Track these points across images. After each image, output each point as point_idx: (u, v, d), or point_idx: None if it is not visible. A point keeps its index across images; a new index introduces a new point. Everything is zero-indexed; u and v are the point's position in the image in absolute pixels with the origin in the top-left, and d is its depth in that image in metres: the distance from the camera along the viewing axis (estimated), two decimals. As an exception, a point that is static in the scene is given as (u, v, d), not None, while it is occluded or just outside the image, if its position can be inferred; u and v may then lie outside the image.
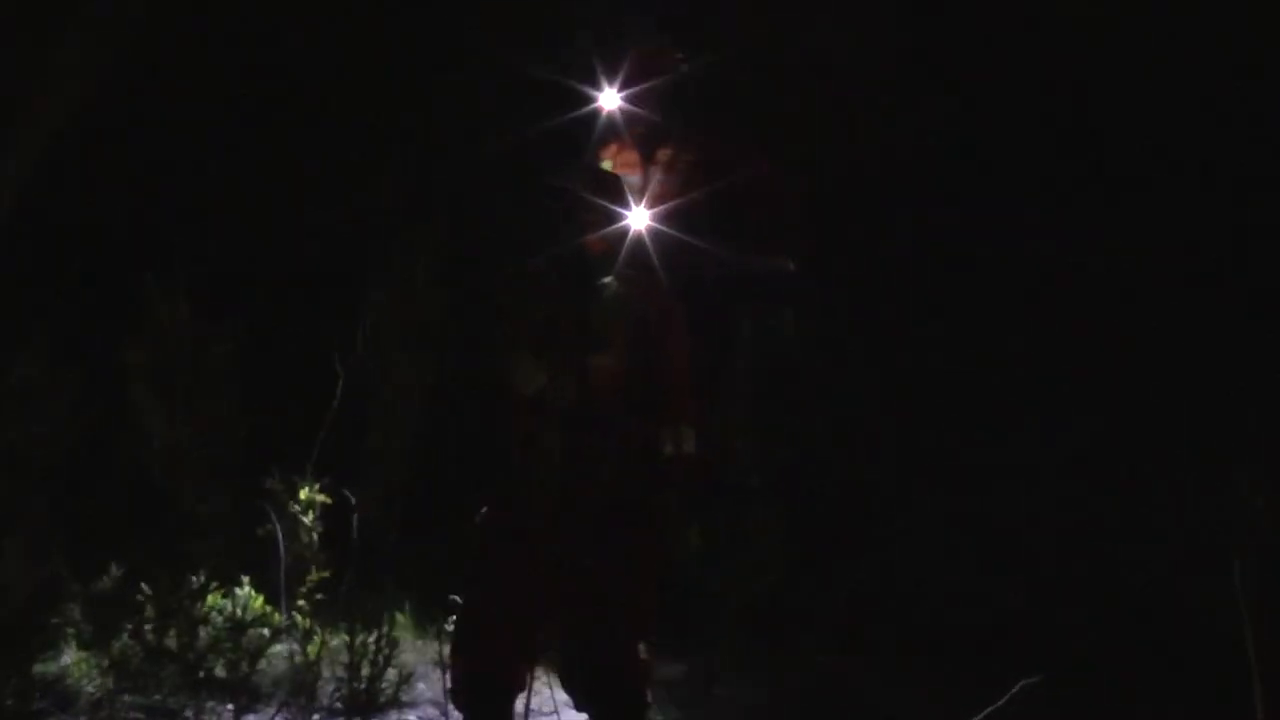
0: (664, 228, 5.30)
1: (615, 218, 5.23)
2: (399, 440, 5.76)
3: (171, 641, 5.54)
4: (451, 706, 5.28)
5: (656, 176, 5.59)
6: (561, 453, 5.21)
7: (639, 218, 5.25)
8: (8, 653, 5.03)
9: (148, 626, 5.52)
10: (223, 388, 5.61)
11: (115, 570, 5.58)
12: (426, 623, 6.43)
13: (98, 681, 5.54)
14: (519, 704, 5.34)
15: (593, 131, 5.55)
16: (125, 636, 5.56)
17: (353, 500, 5.66)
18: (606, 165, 5.62)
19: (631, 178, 5.58)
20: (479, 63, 6.05)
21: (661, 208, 5.37)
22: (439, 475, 5.78)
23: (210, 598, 5.58)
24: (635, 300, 5.27)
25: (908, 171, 7.07)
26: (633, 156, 5.64)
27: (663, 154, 5.62)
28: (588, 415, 5.24)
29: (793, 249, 5.67)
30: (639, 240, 5.25)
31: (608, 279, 5.20)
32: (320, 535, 5.70)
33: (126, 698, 5.46)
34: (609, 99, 5.54)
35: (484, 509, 5.28)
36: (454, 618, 5.37)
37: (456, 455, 5.66)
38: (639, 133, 5.63)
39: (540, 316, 5.21)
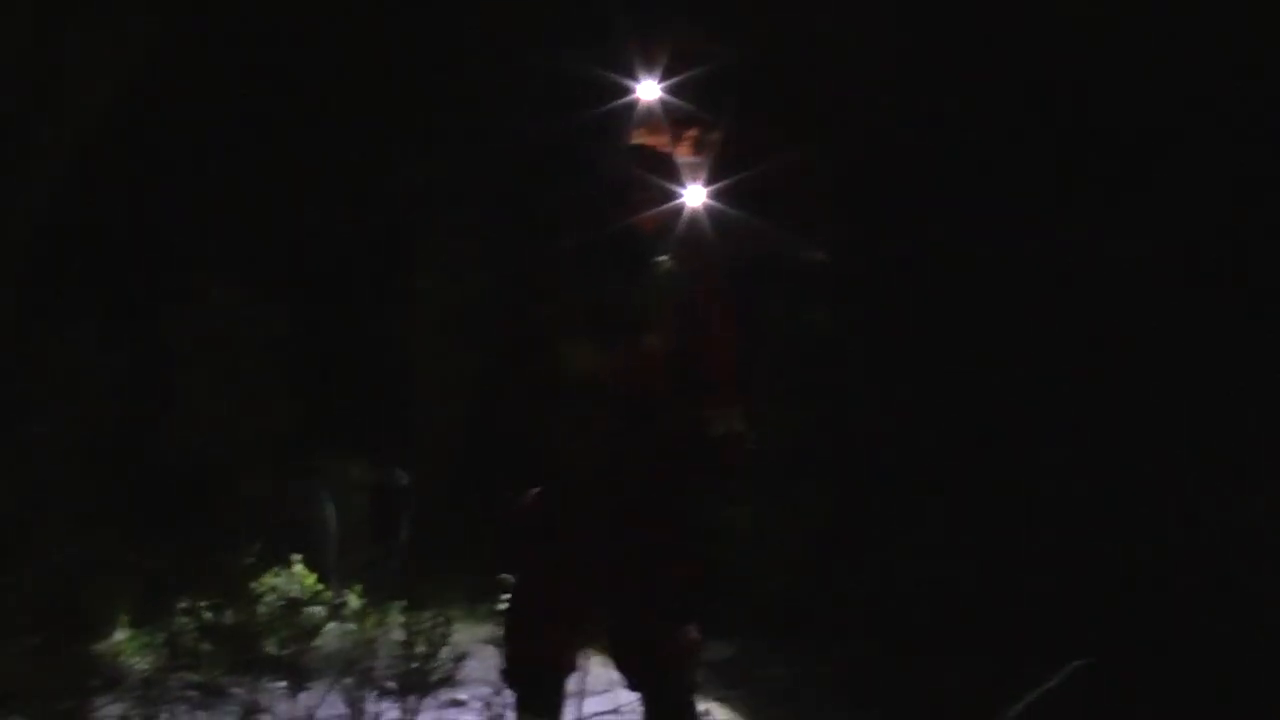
0: (717, 205, 5.28)
1: (667, 197, 5.21)
2: (449, 421, 5.77)
3: (227, 619, 5.56)
4: (504, 685, 5.30)
5: (685, 159, 5.56)
6: (611, 434, 5.20)
7: (692, 196, 5.24)
8: (60, 631, 5.05)
9: (202, 604, 5.55)
10: (271, 369, 5.63)
11: (166, 549, 5.60)
12: (478, 601, 6.43)
13: (149, 659, 5.57)
14: (571, 683, 5.35)
15: (626, 117, 5.54)
16: (178, 614, 5.58)
17: (404, 480, 5.67)
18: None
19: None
20: (518, 47, 6.02)
21: (708, 188, 5.35)
22: (488, 456, 5.79)
23: (264, 577, 5.61)
24: (687, 280, 5.25)
25: (934, 158, 7.02)
26: (662, 139, 5.62)
27: (690, 136, 5.58)
28: (637, 396, 5.22)
29: (822, 234, 5.64)
30: (691, 220, 5.23)
31: (660, 258, 5.18)
32: (370, 515, 5.72)
33: (178, 676, 5.48)
34: (647, 89, 5.52)
35: (533, 491, 5.28)
36: (505, 597, 5.38)
37: (505, 436, 5.67)
38: (669, 117, 5.61)
39: (591, 298, 5.20)
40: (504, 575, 5.35)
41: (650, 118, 5.55)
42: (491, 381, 5.57)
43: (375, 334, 5.73)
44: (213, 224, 5.76)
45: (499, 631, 5.32)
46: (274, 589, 5.68)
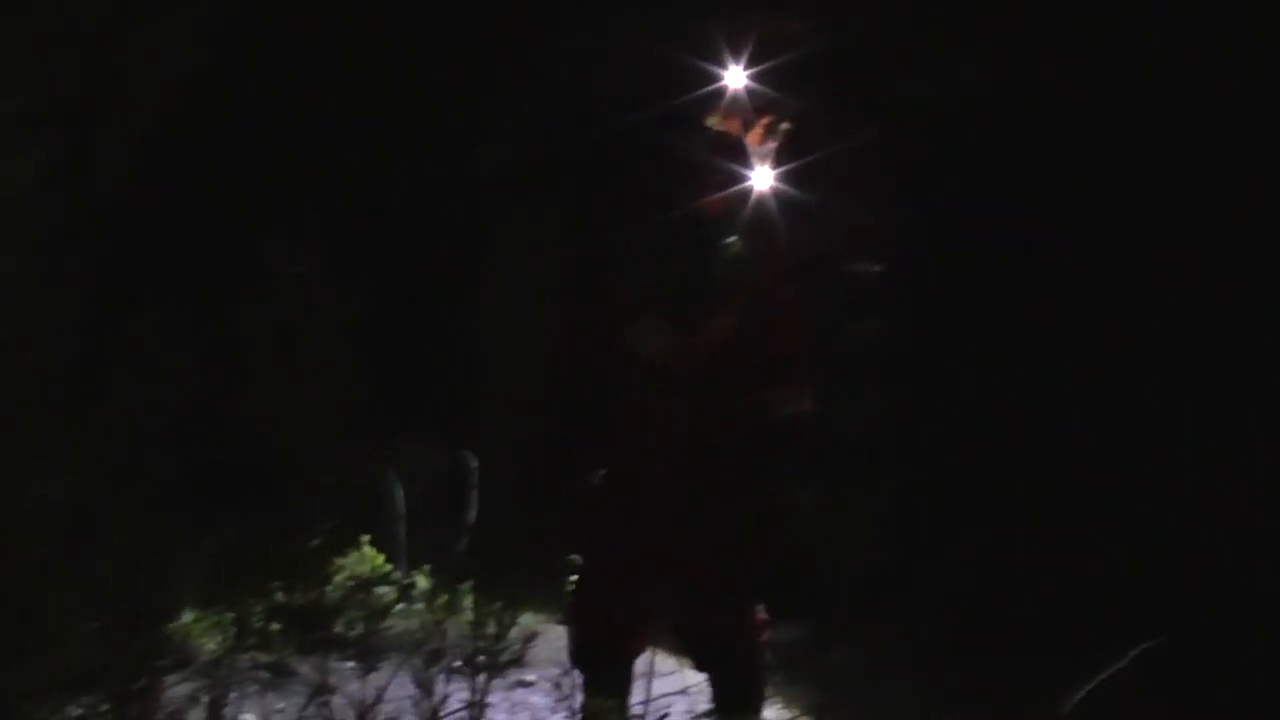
0: (786, 189, 5.26)
1: (737, 179, 5.20)
2: (519, 403, 5.75)
3: (297, 599, 5.57)
4: (571, 667, 5.30)
5: (756, 146, 5.53)
6: (680, 416, 5.20)
7: (762, 179, 5.23)
8: (128, 612, 5.06)
9: (275, 584, 5.55)
10: (342, 350, 5.62)
11: (235, 530, 5.60)
12: (546, 583, 6.42)
13: (217, 640, 5.57)
14: (639, 664, 5.35)
15: (706, 104, 5.51)
16: (246, 595, 5.58)
17: (473, 462, 5.67)
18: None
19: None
20: (592, 28, 5.98)
21: (778, 171, 5.33)
22: (557, 439, 5.79)
23: (333, 558, 5.61)
24: (755, 262, 5.25)
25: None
26: (735, 124, 5.59)
27: (764, 123, 5.55)
28: (707, 378, 5.23)
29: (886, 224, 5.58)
30: (761, 202, 5.22)
31: (730, 239, 5.18)
32: (439, 497, 5.72)
33: (246, 656, 5.48)
34: (731, 76, 5.50)
35: (601, 472, 5.29)
36: (573, 579, 5.38)
37: (574, 419, 5.67)
38: (745, 103, 5.58)
39: (662, 278, 5.20)
40: (572, 557, 5.36)
41: (726, 104, 5.52)
42: (561, 364, 5.57)
43: (447, 315, 5.72)
44: (288, 205, 5.75)
45: (567, 613, 5.35)
46: (343, 569, 5.68)
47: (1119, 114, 7.18)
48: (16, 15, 4.44)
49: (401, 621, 5.84)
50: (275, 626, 5.58)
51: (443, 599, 5.69)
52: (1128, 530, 6.54)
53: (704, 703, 5.41)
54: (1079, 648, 5.66)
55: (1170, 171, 7.00)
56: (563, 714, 5.26)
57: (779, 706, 6.12)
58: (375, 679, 5.49)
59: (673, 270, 5.20)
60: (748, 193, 5.22)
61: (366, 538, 5.73)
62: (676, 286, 5.19)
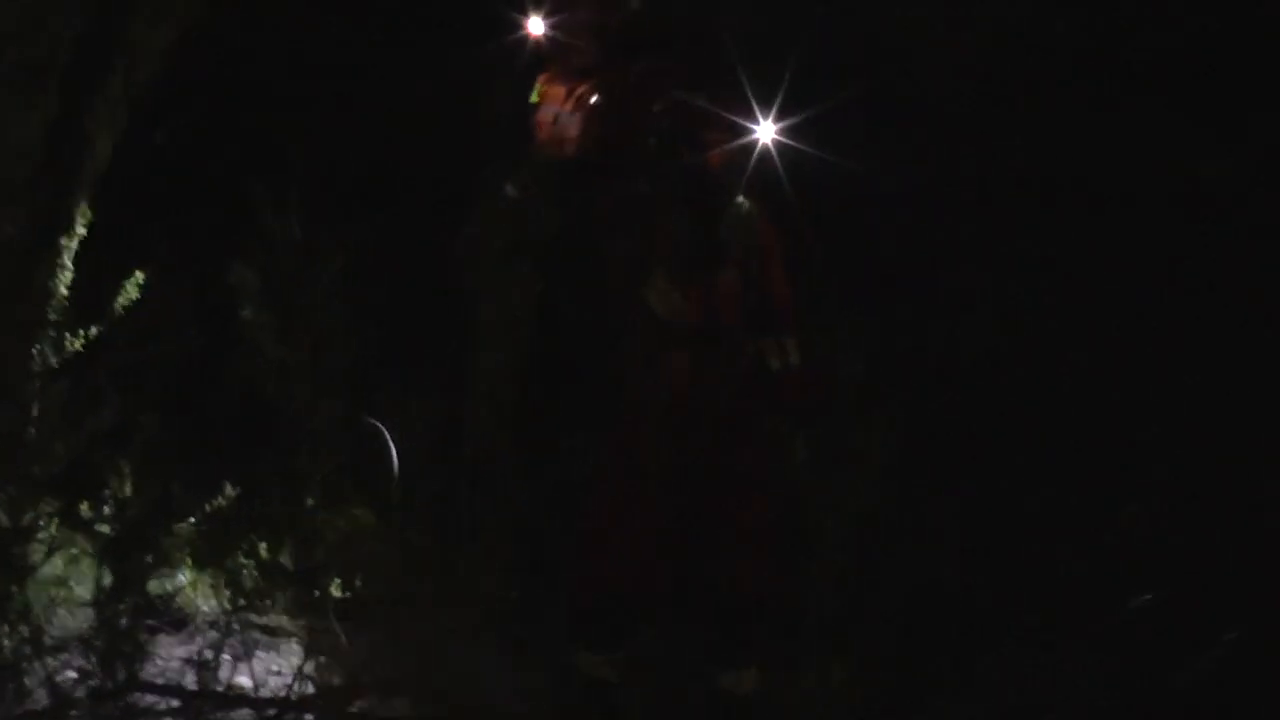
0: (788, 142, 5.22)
1: (740, 134, 5.17)
2: (511, 358, 5.72)
3: (286, 559, 5.53)
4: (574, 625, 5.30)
5: (579, 113, 5.49)
6: (686, 371, 5.20)
7: (765, 133, 5.19)
8: (122, 571, 5.01)
9: (262, 544, 5.51)
10: (332, 303, 5.57)
11: (229, 489, 5.53)
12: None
13: (212, 601, 5.52)
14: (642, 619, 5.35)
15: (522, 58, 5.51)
16: (240, 555, 5.53)
17: (465, 418, 5.64)
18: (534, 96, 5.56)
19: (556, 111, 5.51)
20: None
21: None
22: (551, 394, 5.76)
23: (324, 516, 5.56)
24: (758, 216, 5.24)
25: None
26: (558, 90, 5.56)
27: (585, 90, 5.50)
28: (711, 333, 5.22)
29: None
30: (763, 158, 5.19)
31: (738, 199, 5.17)
32: (432, 453, 5.67)
33: (241, 617, 5.44)
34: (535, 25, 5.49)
35: (606, 430, 5.27)
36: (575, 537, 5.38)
37: (568, 374, 5.65)
38: (570, 64, 5.55)
39: (669, 235, 5.18)
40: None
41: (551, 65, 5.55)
42: (562, 320, 5.55)
43: (443, 269, 5.67)
44: (278, 156, 5.68)
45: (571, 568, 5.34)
46: (335, 529, 5.63)
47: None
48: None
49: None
50: (266, 587, 5.55)
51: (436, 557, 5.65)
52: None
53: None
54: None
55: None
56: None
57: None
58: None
59: (679, 227, 5.18)
60: (751, 148, 5.19)
61: (358, 494, 5.66)
62: (683, 243, 5.18)
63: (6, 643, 4.61)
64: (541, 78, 5.59)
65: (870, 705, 5.60)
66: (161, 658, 5.15)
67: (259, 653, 5.23)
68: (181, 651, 5.18)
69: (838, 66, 5.87)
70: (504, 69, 5.65)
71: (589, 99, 5.42)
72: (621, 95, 5.39)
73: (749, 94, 5.19)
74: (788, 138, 5.22)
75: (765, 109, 5.20)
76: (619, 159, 5.32)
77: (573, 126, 5.42)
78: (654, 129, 5.24)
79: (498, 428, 5.77)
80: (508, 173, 5.71)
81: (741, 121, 5.17)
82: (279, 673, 5.23)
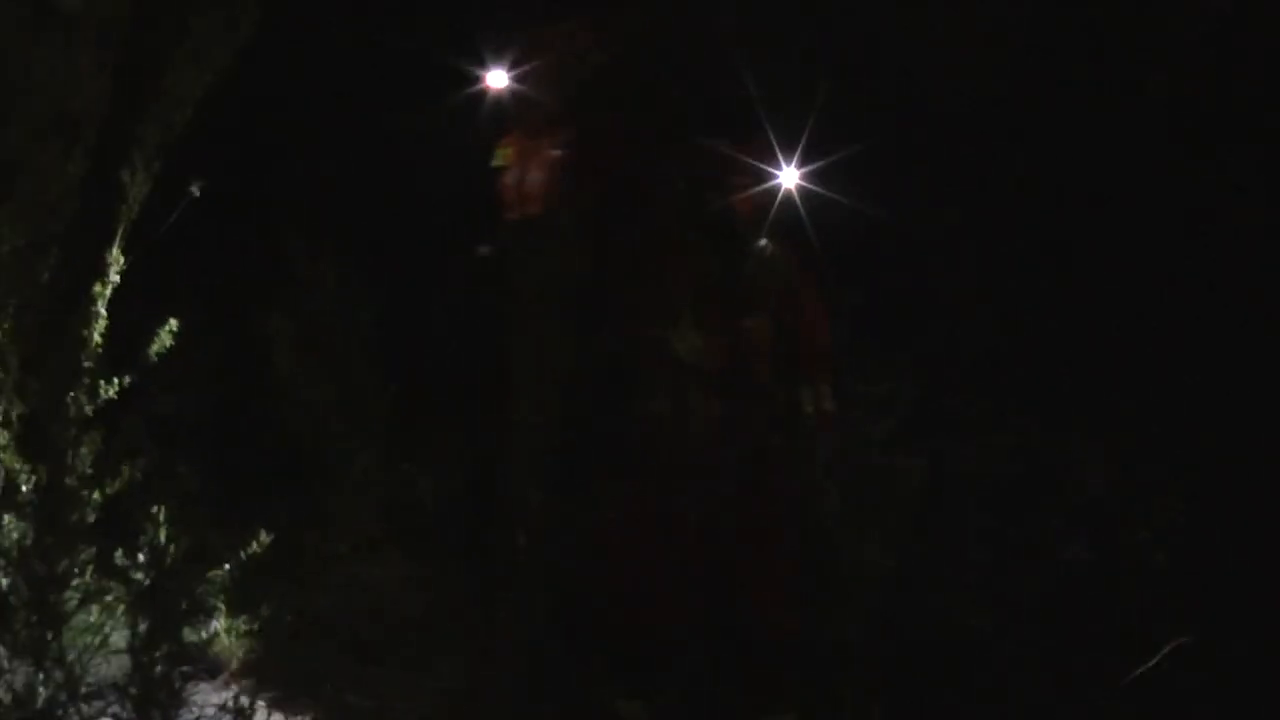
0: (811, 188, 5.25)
1: (763, 179, 5.20)
2: (545, 405, 5.74)
3: (321, 608, 5.55)
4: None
5: (541, 171, 5.52)
6: (712, 416, 5.21)
7: (788, 179, 5.23)
8: (158, 618, 5.04)
9: (293, 592, 5.54)
10: (367, 351, 5.61)
11: (264, 536, 5.56)
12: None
13: (247, 647, 5.55)
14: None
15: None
16: (275, 602, 5.56)
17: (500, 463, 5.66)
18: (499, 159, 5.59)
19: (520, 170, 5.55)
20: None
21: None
22: (583, 439, 5.77)
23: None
24: (785, 262, 5.27)
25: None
26: (526, 145, 5.58)
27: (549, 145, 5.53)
28: (737, 378, 5.24)
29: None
30: (786, 202, 5.23)
31: (761, 242, 5.20)
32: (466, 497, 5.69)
33: (276, 664, 5.46)
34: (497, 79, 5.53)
35: (636, 475, 5.29)
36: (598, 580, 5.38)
37: (601, 420, 5.65)
38: (533, 121, 5.58)
39: (693, 281, 5.21)
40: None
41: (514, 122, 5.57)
42: (589, 363, 5.57)
43: (473, 314, 5.70)
44: (309, 206, 5.73)
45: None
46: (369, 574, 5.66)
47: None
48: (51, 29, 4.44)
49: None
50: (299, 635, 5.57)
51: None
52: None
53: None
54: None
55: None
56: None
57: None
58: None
59: (704, 273, 5.21)
60: (775, 193, 5.22)
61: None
62: (709, 288, 5.21)
63: (43, 690, 4.63)
64: (504, 140, 5.62)
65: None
66: (197, 704, 5.16)
67: (293, 698, 5.25)
68: (216, 699, 5.19)
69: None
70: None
71: (554, 154, 5.44)
72: (598, 148, 5.41)
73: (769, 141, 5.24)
74: (812, 183, 5.25)
75: (788, 154, 5.24)
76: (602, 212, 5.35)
77: (538, 185, 5.44)
78: (677, 173, 5.27)
79: (532, 473, 5.78)
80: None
81: (763, 166, 5.20)
82: (314, 720, 5.25)
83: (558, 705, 5.56)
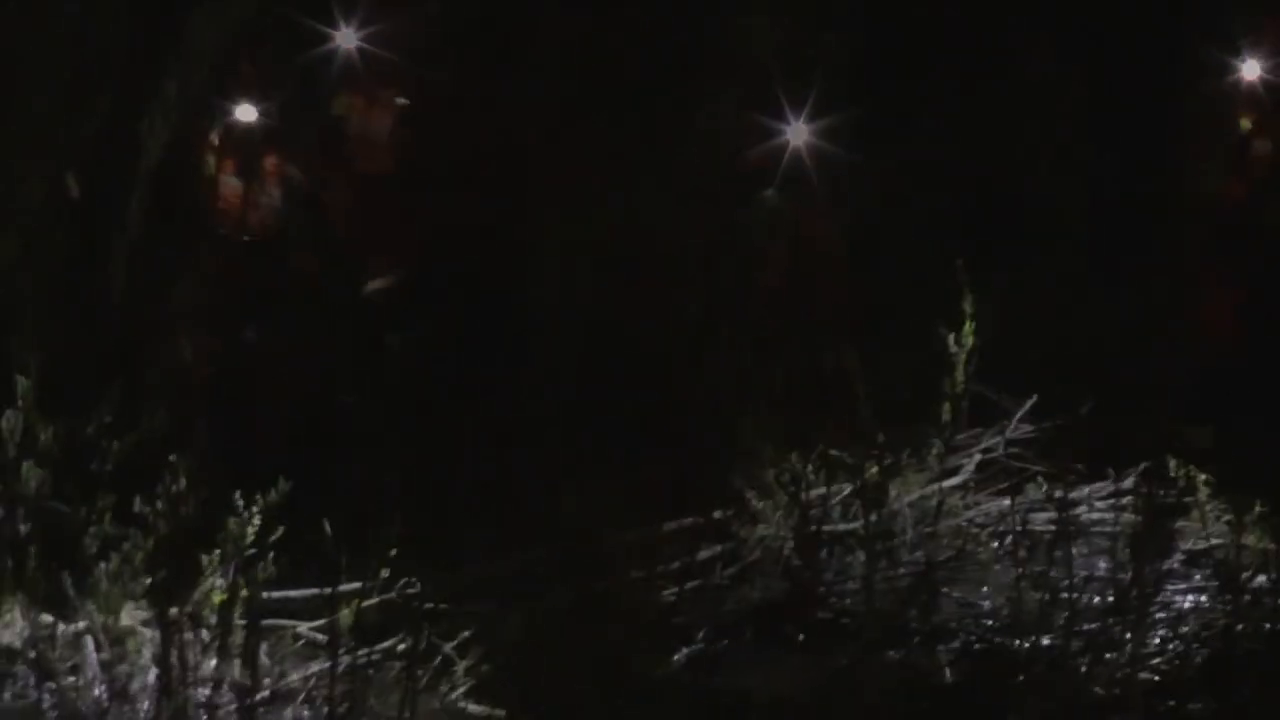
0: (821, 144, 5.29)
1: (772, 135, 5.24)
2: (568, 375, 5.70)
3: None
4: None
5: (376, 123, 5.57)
6: (727, 373, 5.23)
7: (797, 134, 5.27)
8: (176, 569, 5.07)
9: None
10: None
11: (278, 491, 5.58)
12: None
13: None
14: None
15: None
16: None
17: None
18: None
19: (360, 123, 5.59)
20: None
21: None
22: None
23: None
24: (794, 216, 5.29)
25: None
26: (358, 100, 5.64)
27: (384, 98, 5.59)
28: (754, 334, 5.26)
29: None
30: (796, 156, 5.26)
31: (767, 193, 5.22)
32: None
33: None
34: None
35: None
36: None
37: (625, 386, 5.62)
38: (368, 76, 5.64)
39: (704, 238, 5.23)
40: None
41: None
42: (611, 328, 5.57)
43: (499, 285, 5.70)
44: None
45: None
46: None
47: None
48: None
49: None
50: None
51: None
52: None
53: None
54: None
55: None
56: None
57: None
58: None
59: (715, 229, 5.24)
60: (784, 148, 5.26)
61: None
62: (720, 245, 5.24)
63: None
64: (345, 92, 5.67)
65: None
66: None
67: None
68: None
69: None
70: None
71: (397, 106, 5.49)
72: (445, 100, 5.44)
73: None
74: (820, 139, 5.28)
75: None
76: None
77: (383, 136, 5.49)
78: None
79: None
80: None
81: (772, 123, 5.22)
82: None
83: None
